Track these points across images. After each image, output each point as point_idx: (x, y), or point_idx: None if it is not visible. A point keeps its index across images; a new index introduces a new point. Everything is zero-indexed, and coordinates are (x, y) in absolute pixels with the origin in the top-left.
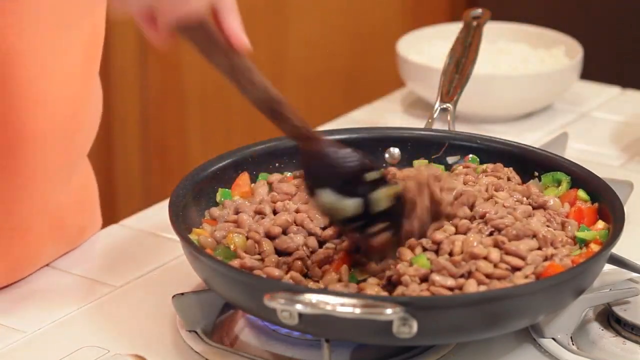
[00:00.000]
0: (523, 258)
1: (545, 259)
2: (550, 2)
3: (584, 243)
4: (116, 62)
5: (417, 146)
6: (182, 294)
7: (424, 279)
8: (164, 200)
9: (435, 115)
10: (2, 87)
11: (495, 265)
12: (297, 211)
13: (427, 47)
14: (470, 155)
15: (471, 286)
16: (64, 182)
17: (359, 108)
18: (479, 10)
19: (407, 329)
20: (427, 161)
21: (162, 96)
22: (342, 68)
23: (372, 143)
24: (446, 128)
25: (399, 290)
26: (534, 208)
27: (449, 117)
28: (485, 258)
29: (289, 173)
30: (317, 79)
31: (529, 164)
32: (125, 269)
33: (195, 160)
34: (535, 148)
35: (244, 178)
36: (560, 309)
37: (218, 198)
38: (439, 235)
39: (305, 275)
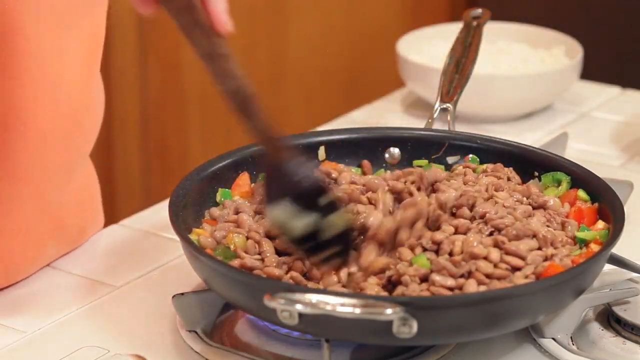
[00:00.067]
0: (523, 258)
1: (545, 259)
2: (550, 2)
3: (584, 243)
4: (116, 62)
5: (417, 146)
6: (182, 294)
7: (424, 279)
8: (164, 200)
9: (435, 115)
10: (2, 87)
11: (495, 265)
12: None
13: (427, 47)
14: (470, 155)
15: (471, 286)
16: (64, 182)
17: (359, 108)
18: (479, 10)
19: (407, 329)
20: (427, 161)
21: (162, 96)
22: (342, 68)
23: (372, 143)
24: (446, 128)
25: (399, 290)
26: (534, 208)
27: (449, 117)
28: (485, 258)
29: None
30: (317, 79)
31: (529, 164)
32: (125, 269)
33: (195, 160)
34: (535, 148)
35: (244, 178)
36: (560, 309)
37: (218, 198)
38: (439, 236)
39: (305, 276)
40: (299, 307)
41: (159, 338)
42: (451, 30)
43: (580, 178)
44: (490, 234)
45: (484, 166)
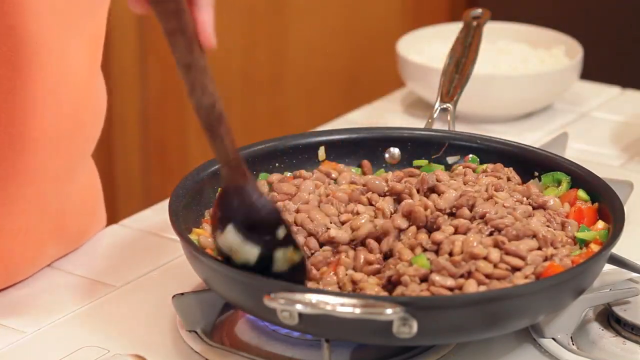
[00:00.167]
0: (523, 258)
1: (545, 259)
2: (550, 2)
3: (584, 243)
4: (116, 62)
5: (417, 146)
6: (182, 294)
7: (424, 279)
8: (164, 200)
9: (435, 115)
10: (4, 88)
11: (495, 266)
12: (297, 211)
13: (427, 47)
14: (470, 155)
15: (471, 286)
16: (66, 183)
17: (359, 108)
18: (479, 10)
19: (407, 329)
20: (427, 161)
21: (162, 96)
22: (342, 68)
23: (372, 143)
24: (446, 128)
25: (399, 290)
26: (534, 208)
27: (449, 117)
28: (485, 258)
29: (289, 173)
30: (317, 79)
31: (529, 164)
32: (125, 269)
33: (195, 160)
34: (535, 148)
35: None
36: (560, 309)
37: None
38: (439, 236)
39: None
40: (298, 307)
41: (159, 338)
42: (451, 30)
43: (580, 178)
44: (490, 234)
45: (484, 166)
